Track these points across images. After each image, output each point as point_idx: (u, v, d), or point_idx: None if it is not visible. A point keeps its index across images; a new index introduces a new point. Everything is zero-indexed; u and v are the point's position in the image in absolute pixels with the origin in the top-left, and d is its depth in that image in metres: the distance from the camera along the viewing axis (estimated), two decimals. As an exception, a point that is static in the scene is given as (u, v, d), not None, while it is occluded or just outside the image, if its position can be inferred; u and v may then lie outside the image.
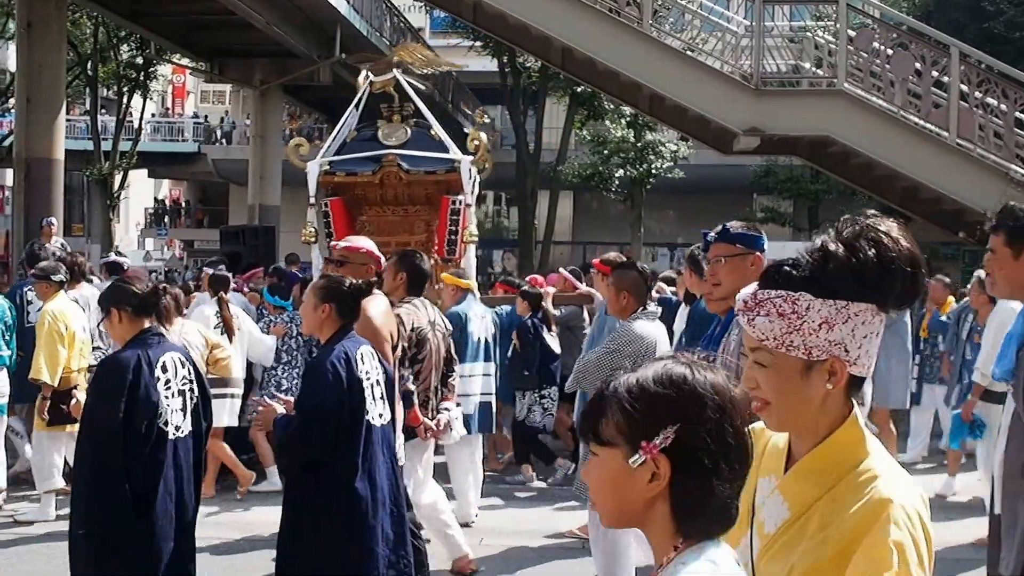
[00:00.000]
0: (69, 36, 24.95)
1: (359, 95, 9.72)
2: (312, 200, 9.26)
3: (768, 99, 14.28)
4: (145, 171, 42.29)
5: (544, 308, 9.63)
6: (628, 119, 27.76)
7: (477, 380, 8.21)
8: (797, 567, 1.81)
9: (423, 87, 10.01)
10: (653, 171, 28.92)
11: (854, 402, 1.87)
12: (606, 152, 29.26)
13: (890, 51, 13.74)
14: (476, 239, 9.19)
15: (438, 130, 9.48)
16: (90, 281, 9.99)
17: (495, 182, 44.34)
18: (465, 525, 7.72)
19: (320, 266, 9.16)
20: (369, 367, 4.59)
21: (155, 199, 51.00)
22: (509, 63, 31.72)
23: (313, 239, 9.23)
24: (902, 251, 1.82)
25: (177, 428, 4.53)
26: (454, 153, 9.21)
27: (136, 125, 34.39)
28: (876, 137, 13.73)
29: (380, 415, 4.61)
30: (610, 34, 14.33)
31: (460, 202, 9.05)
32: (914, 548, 1.73)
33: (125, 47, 32.48)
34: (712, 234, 4.25)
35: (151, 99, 37.58)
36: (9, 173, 37.63)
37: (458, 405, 6.73)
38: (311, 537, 4.43)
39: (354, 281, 4.72)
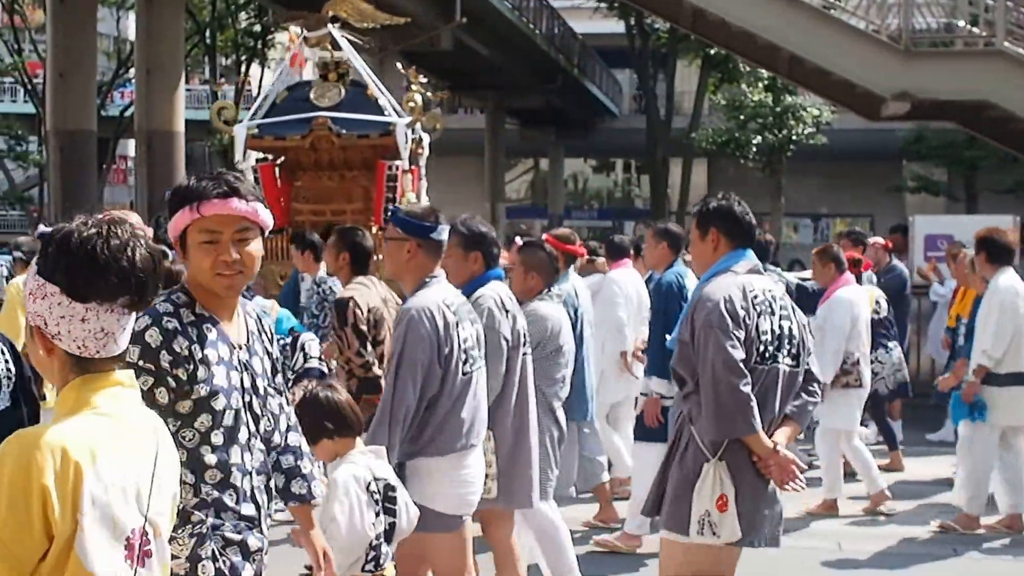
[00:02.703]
0: (187, 4, 25.64)
1: (291, 52, 9.48)
2: (240, 165, 9.12)
3: (919, 61, 13.85)
4: (265, 141, 43.25)
5: None
6: (766, 82, 27.25)
7: None
8: None
9: (362, 42, 9.53)
10: (794, 137, 28.32)
11: (119, 377, 2.13)
12: (743, 117, 28.77)
13: (1055, 7, 13.21)
14: None
15: (375, 90, 9.10)
16: None
17: (624, 149, 44.16)
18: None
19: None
20: None
21: (275, 169, 52.13)
22: (637, 24, 31.45)
23: None
24: (99, 246, 2.07)
25: None
26: (389, 115, 8.88)
27: (255, 94, 35.21)
28: (1039, 101, 13.23)
29: None
30: (745, -6, 14.09)
31: (397, 167, 8.76)
32: None
33: (243, 15, 33.25)
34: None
35: (269, 68, 38.40)
36: (131, 144, 38.95)
37: None
38: None
39: None
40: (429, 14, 24.25)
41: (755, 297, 4.19)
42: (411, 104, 8.90)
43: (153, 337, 2.79)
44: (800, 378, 4.29)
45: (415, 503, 4.17)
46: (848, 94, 14.84)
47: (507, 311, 4.86)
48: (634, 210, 43.62)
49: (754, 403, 4.08)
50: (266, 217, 2.92)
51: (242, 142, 8.89)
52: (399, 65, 10.22)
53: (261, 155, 9.45)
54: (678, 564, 4.27)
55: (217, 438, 2.83)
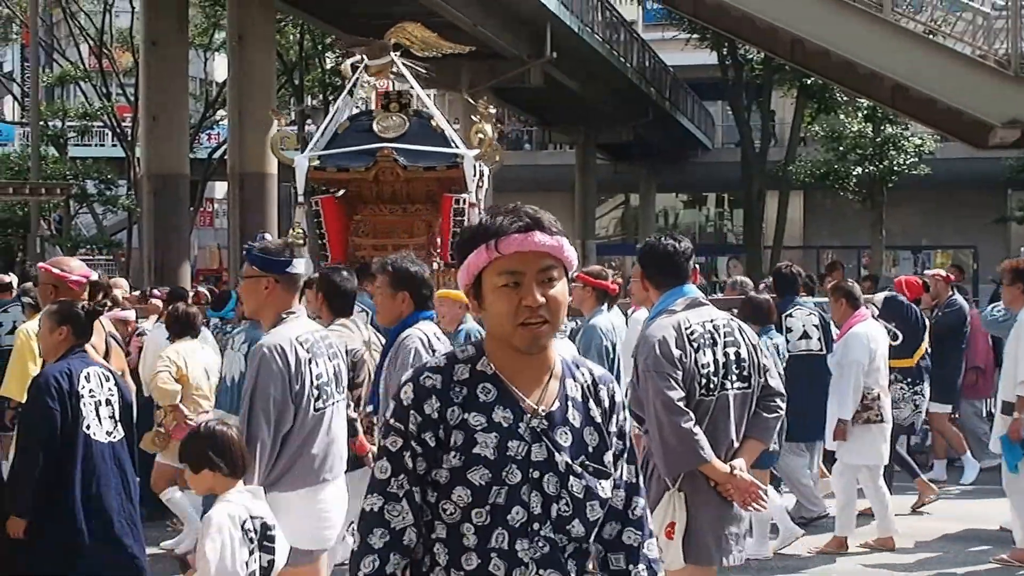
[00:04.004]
0: (275, 46, 26.30)
1: (351, 81, 9.50)
2: (300, 199, 9.05)
3: (1029, 86, 13.75)
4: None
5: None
6: (865, 112, 27.05)
7: None
8: None
9: (424, 71, 9.39)
10: (895, 167, 27.98)
11: None
12: (842, 148, 28.52)
13: None
14: None
15: (440, 121, 9.08)
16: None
17: (717, 183, 43.99)
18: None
19: (310, 270, 8.87)
20: (95, 386, 5.12)
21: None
22: (730, 55, 31.51)
23: (300, 241, 8.79)
24: None
25: None
26: (457, 147, 8.83)
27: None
28: None
29: (108, 432, 5.15)
30: (847, 22, 14.13)
31: (464, 201, 8.63)
32: None
33: (329, 54, 33.94)
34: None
35: (357, 106, 39.10)
36: (219, 186, 39.79)
37: None
38: (27, 545, 4.98)
39: (86, 304, 5.29)
40: (519, 49, 24.58)
41: (691, 333, 4.47)
42: (480, 135, 8.88)
43: (407, 395, 2.51)
44: (753, 397, 4.56)
45: None
46: (955, 123, 14.79)
47: (434, 351, 4.91)
48: (727, 245, 43.45)
49: (699, 435, 4.37)
50: (571, 254, 2.54)
51: (303, 173, 8.85)
52: (465, 95, 10.17)
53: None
54: None
55: (480, 517, 2.46)
